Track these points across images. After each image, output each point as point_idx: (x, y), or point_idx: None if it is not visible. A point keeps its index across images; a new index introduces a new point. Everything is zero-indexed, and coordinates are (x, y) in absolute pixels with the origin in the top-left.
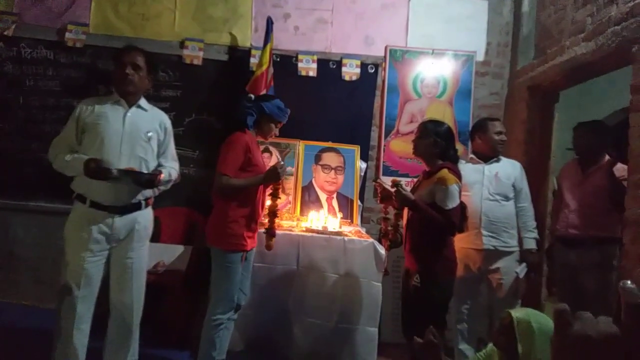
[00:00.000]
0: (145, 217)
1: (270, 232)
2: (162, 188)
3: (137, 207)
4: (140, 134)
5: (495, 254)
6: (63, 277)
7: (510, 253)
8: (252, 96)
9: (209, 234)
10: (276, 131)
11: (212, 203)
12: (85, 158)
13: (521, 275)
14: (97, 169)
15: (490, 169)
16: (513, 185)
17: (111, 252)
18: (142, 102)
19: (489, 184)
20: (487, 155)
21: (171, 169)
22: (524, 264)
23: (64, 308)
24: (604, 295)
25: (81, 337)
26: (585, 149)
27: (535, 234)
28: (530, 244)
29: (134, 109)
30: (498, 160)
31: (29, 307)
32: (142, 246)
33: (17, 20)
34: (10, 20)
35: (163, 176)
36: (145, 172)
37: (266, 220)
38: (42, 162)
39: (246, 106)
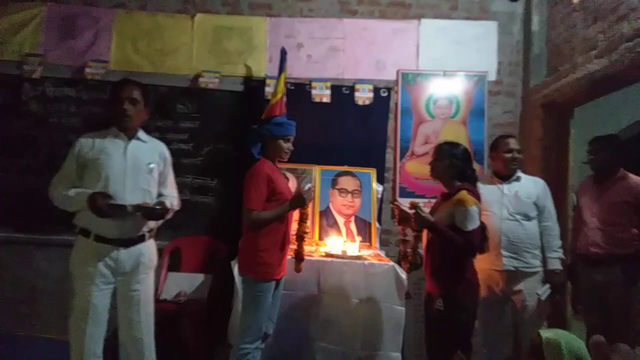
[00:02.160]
0: (149, 249)
1: (299, 257)
2: (165, 218)
3: (142, 239)
4: (142, 166)
5: (517, 275)
6: (71, 312)
7: (533, 274)
8: (255, 126)
9: (240, 263)
10: (289, 146)
11: (242, 232)
12: (89, 192)
13: (543, 298)
14: (108, 207)
15: (510, 188)
16: (535, 204)
17: (117, 285)
18: (141, 134)
19: (508, 204)
20: (503, 174)
21: (172, 198)
22: (546, 286)
23: (74, 344)
24: (629, 313)
25: None
26: (600, 165)
27: (559, 254)
28: (555, 264)
29: (134, 141)
30: (518, 179)
31: (53, 341)
32: (147, 277)
33: (43, 61)
34: (36, 62)
35: (171, 208)
36: (158, 206)
37: (294, 246)
38: None
39: (250, 137)
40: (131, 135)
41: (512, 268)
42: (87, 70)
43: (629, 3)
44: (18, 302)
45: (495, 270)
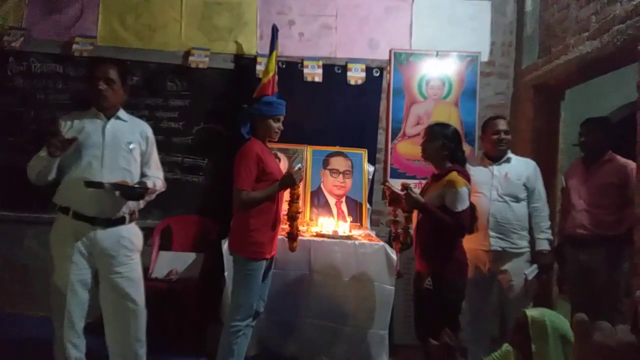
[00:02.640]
0: (130, 231)
1: (292, 236)
2: (146, 199)
3: (121, 221)
4: (121, 145)
5: (504, 256)
6: (51, 290)
7: (520, 254)
8: (245, 105)
9: (231, 242)
10: (279, 126)
11: (233, 212)
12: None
13: (530, 277)
14: (66, 141)
15: (500, 169)
16: (525, 185)
17: (98, 266)
18: (121, 113)
19: (498, 185)
20: (493, 156)
21: (156, 179)
22: (534, 266)
23: (56, 321)
24: (613, 294)
25: (75, 339)
26: (591, 147)
27: (548, 235)
28: (543, 245)
29: (112, 120)
30: (509, 161)
31: (44, 318)
32: (131, 259)
33: (25, 34)
34: (19, 33)
35: (151, 188)
36: (137, 186)
37: (286, 225)
38: None
39: (240, 117)
40: (110, 115)
41: (499, 249)
42: (75, 47)
43: None
44: (9, 281)
45: (483, 250)
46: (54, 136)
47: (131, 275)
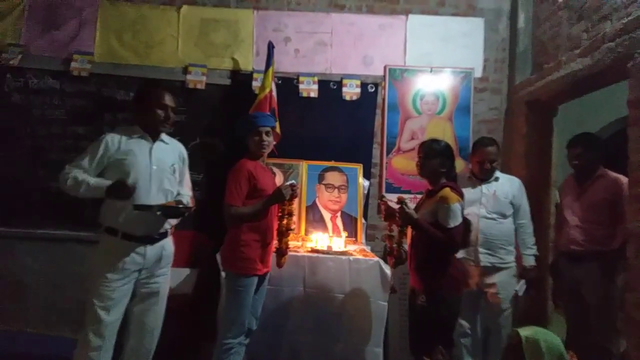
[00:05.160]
0: (170, 244)
1: (280, 251)
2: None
3: (165, 235)
4: (166, 167)
5: (492, 270)
6: (90, 306)
7: (506, 268)
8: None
9: (222, 257)
10: (263, 138)
11: (225, 227)
12: (109, 182)
13: (520, 293)
14: (131, 193)
15: (488, 187)
16: (511, 203)
17: (139, 278)
18: (163, 135)
19: (486, 203)
20: (480, 177)
21: (188, 197)
22: (522, 281)
23: (91, 332)
24: (607, 308)
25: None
26: (580, 164)
27: (533, 251)
28: (529, 261)
29: (158, 143)
30: (497, 179)
31: (37, 335)
32: (167, 272)
33: (23, 51)
34: (16, 51)
35: (191, 207)
36: (180, 205)
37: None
38: (50, 190)
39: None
40: (155, 137)
41: (488, 264)
42: (73, 64)
43: (612, 3)
44: (2, 297)
45: (472, 265)
46: (124, 188)
47: (166, 286)
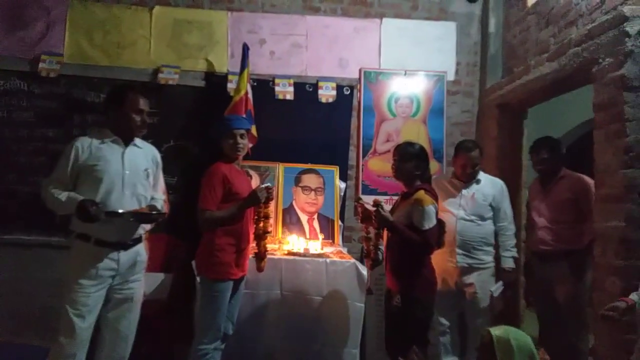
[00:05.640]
0: (143, 250)
1: (259, 255)
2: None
3: (139, 240)
4: (139, 172)
5: (470, 270)
6: (64, 313)
7: (485, 268)
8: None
9: (197, 262)
10: (236, 141)
11: (200, 231)
12: (80, 198)
13: (496, 294)
14: (102, 213)
15: (468, 190)
16: (491, 205)
17: (113, 284)
18: (136, 139)
19: (465, 205)
20: (462, 179)
21: (162, 202)
22: (499, 283)
23: (66, 336)
24: (576, 305)
25: None
26: (542, 167)
27: (513, 253)
28: (508, 263)
29: (130, 147)
30: (478, 182)
31: (4, 344)
32: (141, 277)
33: None
34: None
35: (165, 212)
36: (154, 212)
37: (254, 244)
38: (18, 194)
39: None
40: (129, 141)
41: (465, 265)
42: (41, 65)
43: (578, 9)
44: None
45: (452, 265)
46: (87, 214)
47: (140, 291)
